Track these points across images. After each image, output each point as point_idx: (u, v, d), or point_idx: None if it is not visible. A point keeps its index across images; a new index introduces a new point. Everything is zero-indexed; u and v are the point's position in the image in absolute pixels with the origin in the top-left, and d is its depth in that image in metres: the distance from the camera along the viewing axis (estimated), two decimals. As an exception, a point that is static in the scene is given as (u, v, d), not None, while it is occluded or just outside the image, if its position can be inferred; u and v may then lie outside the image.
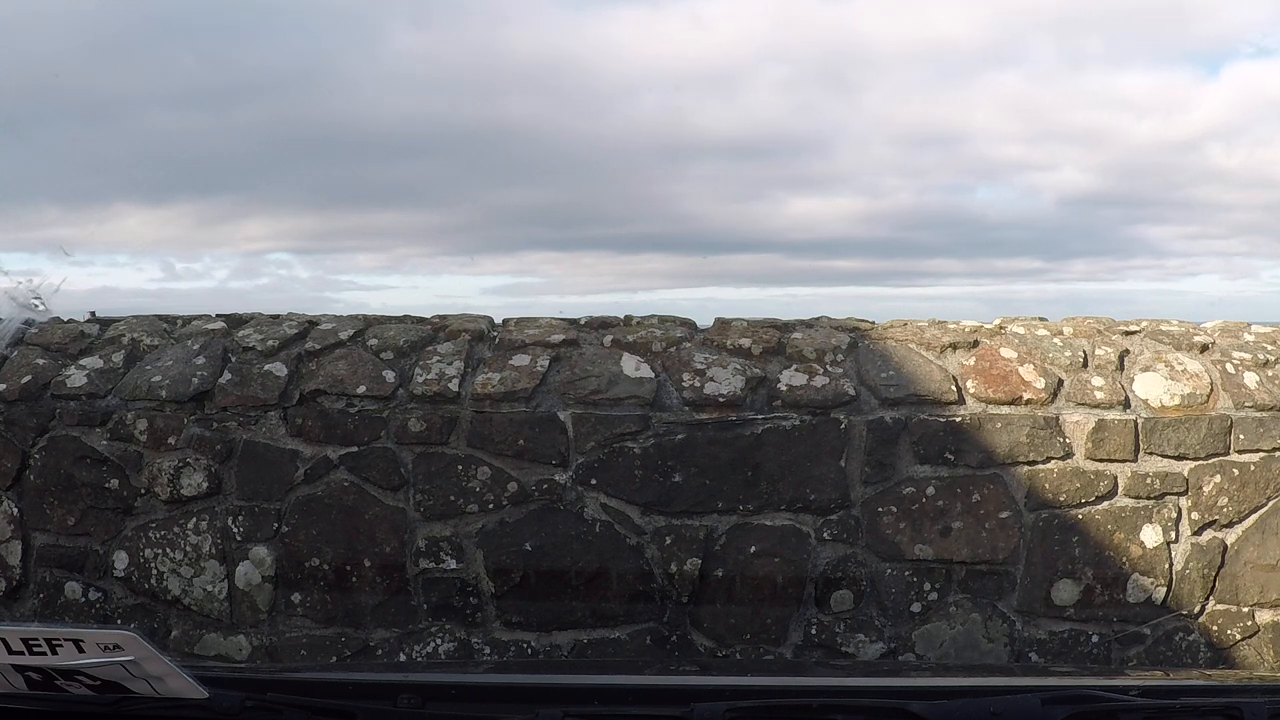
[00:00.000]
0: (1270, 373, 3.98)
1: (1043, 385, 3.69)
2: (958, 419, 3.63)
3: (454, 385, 3.60)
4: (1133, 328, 4.10)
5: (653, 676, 2.20)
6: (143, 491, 3.73)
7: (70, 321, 4.21)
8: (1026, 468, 3.65)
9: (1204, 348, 4.01)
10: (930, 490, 3.60)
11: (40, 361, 3.94)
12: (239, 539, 3.67)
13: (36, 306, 4.57)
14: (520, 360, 3.66)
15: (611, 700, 1.75)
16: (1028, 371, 3.72)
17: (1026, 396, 3.66)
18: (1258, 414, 3.85)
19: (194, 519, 3.70)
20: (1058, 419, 3.66)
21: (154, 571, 3.75)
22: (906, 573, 3.63)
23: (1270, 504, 3.88)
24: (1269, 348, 4.10)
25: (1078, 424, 3.68)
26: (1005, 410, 3.65)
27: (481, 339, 3.81)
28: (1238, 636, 3.92)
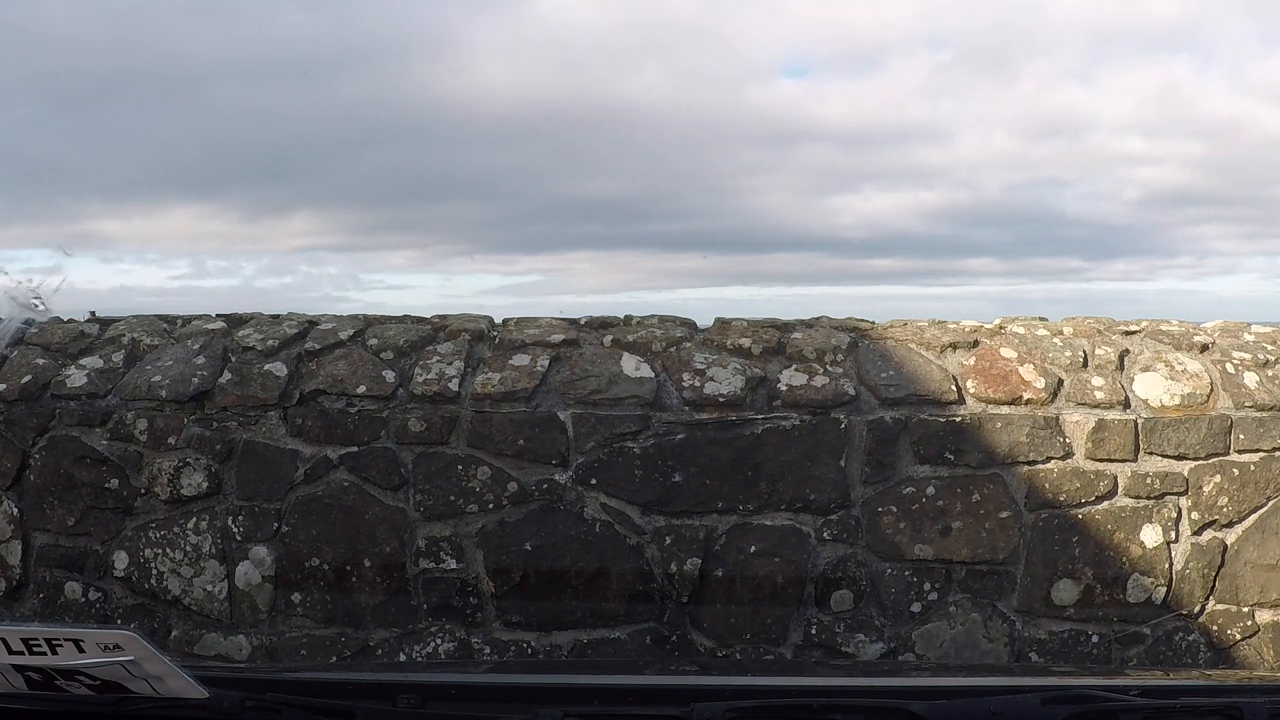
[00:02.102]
0: (1270, 373, 3.98)
1: (1043, 385, 3.68)
2: (958, 419, 3.62)
3: (454, 385, 3.59)
4: (1133, 328, 4.10)
5: (653, 676, 2.20)
6: (143, 491, 3.73)
7: (70, 321, 4.21)
8: (1026, 467, 3.65)
9: (1204, 348, 4.01)
10: (930, 490, 3.60)
11: (40, 361, 3.94)
12: (239, 539, 3.67)
13: (36, 306, 4.57)
14: (520, 360, 3.66)
15: (611, 700, 1.75)
16: (1028, 371, 3.72)
17: (1026, 396, 3.66)
18: (1258, 414, 3.85)
19: (194, 519, 3.69)
20: (1058, 419, 3.66)
21: (154, 571, 3.75)
22: (906, 573, 3.63)
23: (1270, 504, 3.88)
24: (1269, 347, 4.10)
25: (1078, 424, 3.67)
26: (1005, 410, 3.65)
27: (481, 339, 3.81)
28: (1238, 636, 3.92)
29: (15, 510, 3.88)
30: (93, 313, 4.44)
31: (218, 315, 4.12)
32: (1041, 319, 4.16)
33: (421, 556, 3.59)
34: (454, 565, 3.57)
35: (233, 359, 3.81)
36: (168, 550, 3.73)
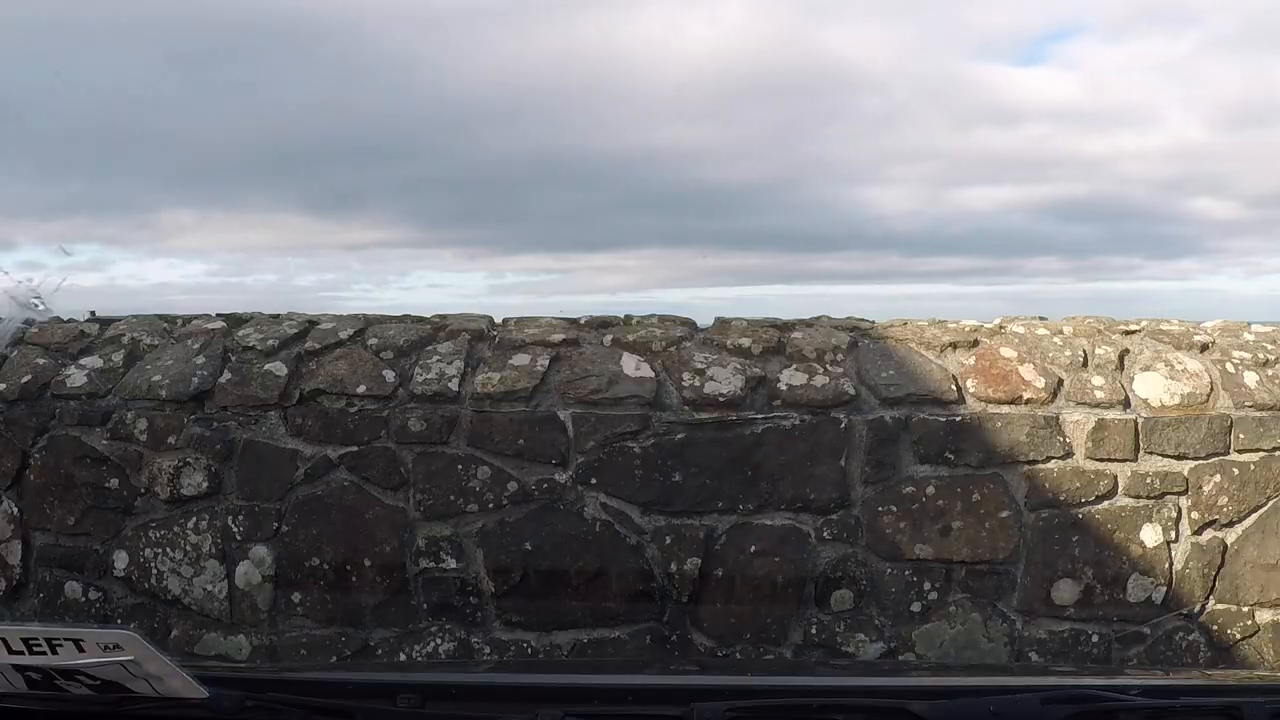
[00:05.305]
0: (1270, 372, 3.98)
1: (1043, 384, 3.69)
2: (958, 418, 3.62)
3: (454, 385, 3.59)
4: (1133, 327, 4.10)
5: (653, 676, 2.20)
6: (143, 491, 3.74)
7: (70, 321, 4.21)
8: (1027, 467, 3.65)
9: (1204, 347, 4.01)
10: (930, 490, 3.60)
11: (40, 361, 3.95)
12: (239, 538, 3.67)
13: (36, 306, 4.57)
14: (520, 360, 3.66)
15: (611, 700, 1.76)
16: (1028, 371, 3.72)
17: (1026, 396, 3.66)
18: (1258, 414, 3.85)
19: (194, 518, 3.70)
20: (1058, 418, 3.66)
21: (154, 571, 3.75)
22: (906, 572, 3.63)
23: (1270, 504, 3.88)
24: (1269, 347, 4.10)
25: (1078, 423, 3.67)
26: (1005, 409, 3.65)
27: (481, 338, 3.81)
28: (1238, 636, 3.91)
29: (15, 510, 3.88)
30: (92, 312, 4.45)
31: (218, 315, 4.12)
32: (1041, 318, 4.16)
33: (421, 556, 3.59)
34: (454, 565, 3.58)
35: (232, 359, 3.81)
36: (168, 550, 3.73)
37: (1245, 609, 3.91)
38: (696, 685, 1.93)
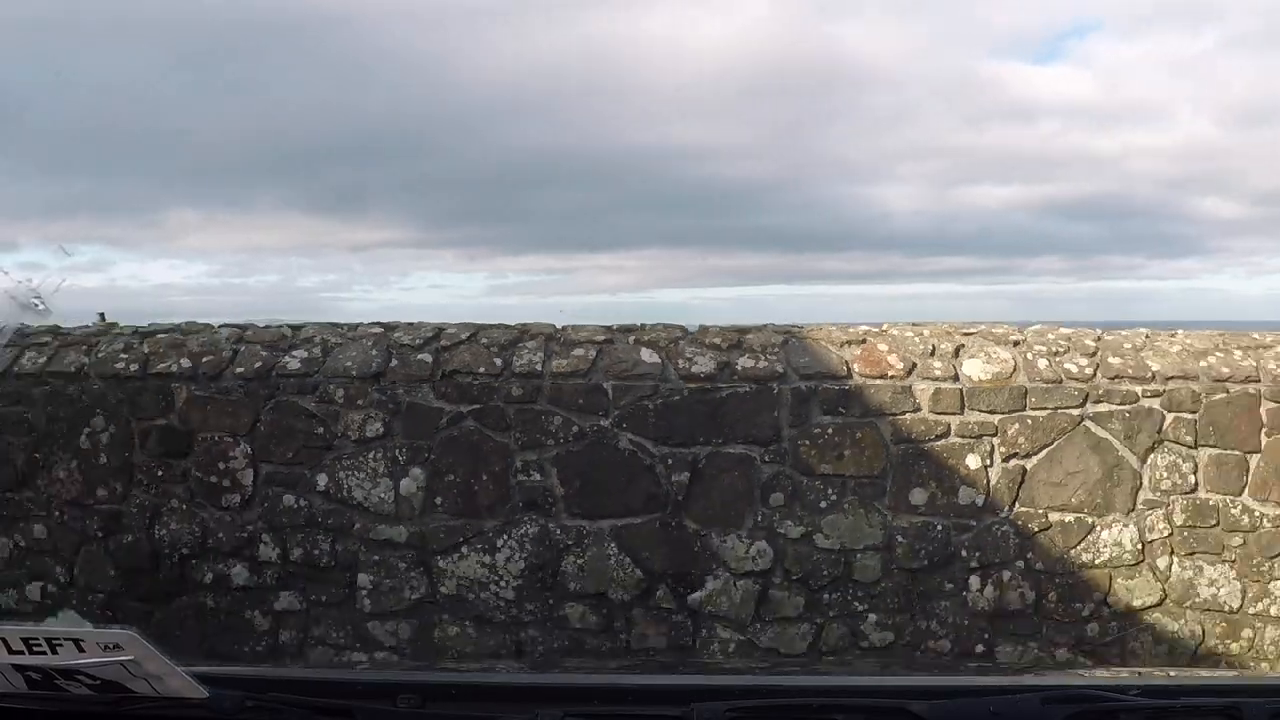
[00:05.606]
0: (1058, 360, 6.19)
1: (902, 367, 5.91)
2: (847, 387, 5.86)
3: (539, 367, 5.81)
4: (970, 330, 6.32)
5: (653, 676, 2.19)
6: (339, 435, 5.93)
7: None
8: (891, 417, 5.88)
9: (1016, 343, 6.22)
10: (830, 431, 5.83)
11: (263, 353, 6.14)
12: (402, 463, 5.88)
13: (36, 306, 5.49)
14: (578, 351, 5.88)
15: (611, 700, 1.74)
16: (893, 359, 5.95)
17: (890, 373, 5.89)
18: (1044, 385, 6.07)
19: (373, 452, 5.90)
20: (910, 388, 5.89)
21: (345, 486, 5.95)
22: (817, 483, 5.86)
23: (1055, 443, 6.09)
24: (1062, 344, 6.31)
25: (923, 390, 5.90)
26: (877, 382, 5.88)
27: (552, 338, 6.03)
28: (1035, 529, 6.13)
29: (250, 449, 6.07)
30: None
31: (375, 323, 6.32)
32: (913, 324, 6.37)
33: (518, 473, 5.80)
34: (538, 478, 5.80)
35: (393, 352, 6.02)
36: (354, 472, 5.93)
37: (1039, 511, 6.11)
38: (696, 685, 1.91)
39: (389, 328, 6.25)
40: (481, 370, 5.85)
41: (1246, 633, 6.31)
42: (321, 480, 5.98)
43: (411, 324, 6.28)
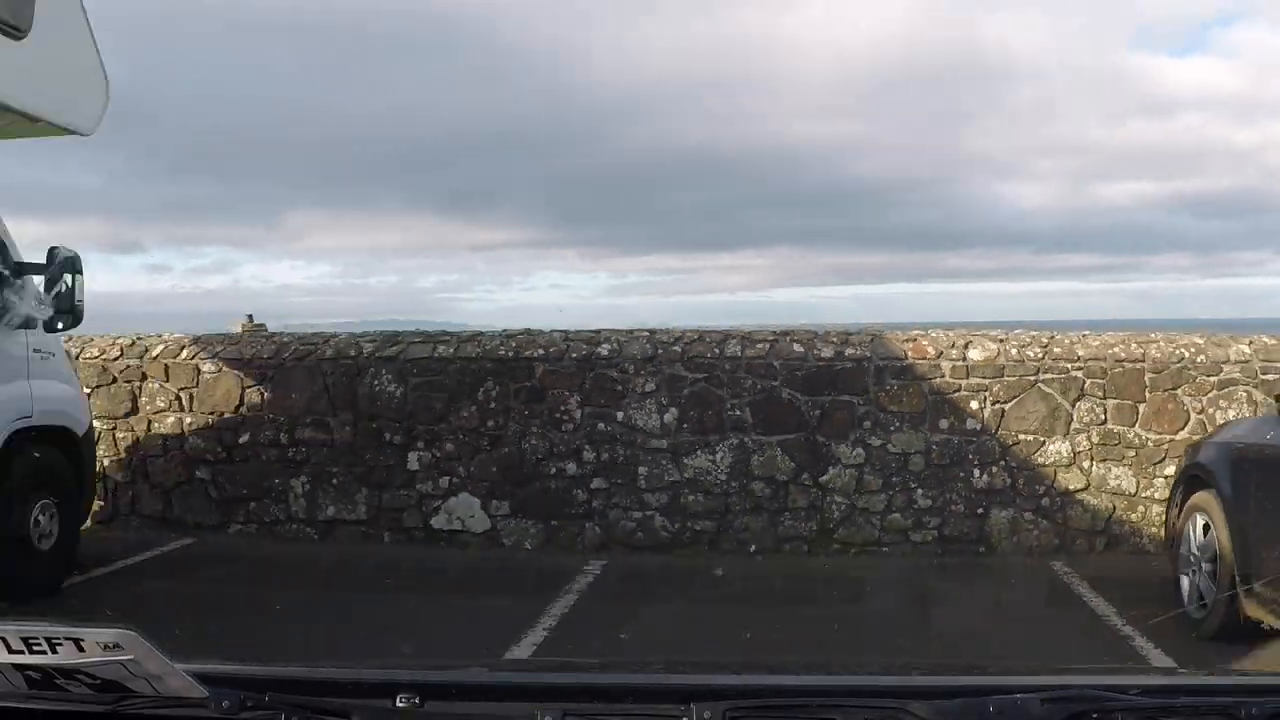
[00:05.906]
0: (1023, 349, 11.08)
1: (934, 352, 10.88)
2: (904, 364, 10.86)
3: (738, 352, 10.91)
4: (978, 333, 11.27)
5: (653, 676, 2.18)
6: (629, 391, 11.04)
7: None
8: (928, 380, 10.85)
9: (1000, 340, 11.16)
10: (894, 387, 10.83)
11: (585, 346, 11.27)
12: (665, 404, 11.00)
13: (39, 306, 6.29)
14: (760, 345, 10.94)
15: (611, 700, 1.75)
16: (929, 349, 10.92)
17: (928, 356, 10.86)
18: (1014, 363, 10.99)
19: (649, 400, 11.01)
20: (939, 364, 10.86)
21: (632, 418, 11.06)
22: (887, 416, 10.88)
23: (1020, 396, 10.99)
24: (1027, 340, 11.21)
25: (946, 366, 10.86)
26: (920, 362, 10.86)
27: (745, 337, 11.11)
28: (1010, 444, 11.03)
29: (579, 399, 11.21)
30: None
31: (645, 329, 11.44)
32: (946, 329, 11.32)
33: (727, 411, 10.90)
34: (738, 414, 10.88)
35: (658, 345, 11.13)
36: (638, 411, 11.04)
37: (1013, 433, 10.98)
38: (696, 685, 1.88)
39: (654, 331, 11.38)
40: (707, 356, 10.95)
41: (1140, 508, 11.16)
42: (619, 415, 11.12)
43: (667, 329, 11.42)
